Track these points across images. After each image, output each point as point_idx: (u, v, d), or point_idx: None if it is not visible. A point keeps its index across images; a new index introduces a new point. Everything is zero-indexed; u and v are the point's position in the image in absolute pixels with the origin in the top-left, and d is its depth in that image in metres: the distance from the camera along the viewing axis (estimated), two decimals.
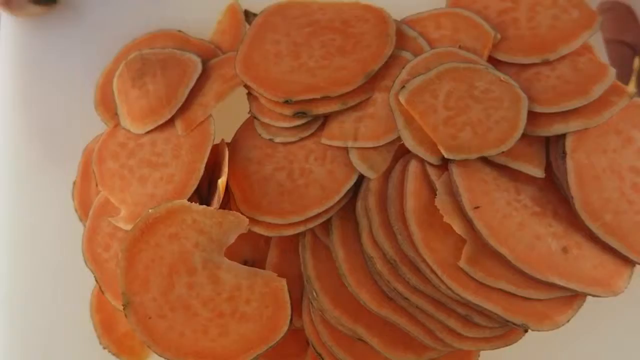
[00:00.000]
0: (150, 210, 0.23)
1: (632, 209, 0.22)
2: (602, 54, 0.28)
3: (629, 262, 0.22)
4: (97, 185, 0.27)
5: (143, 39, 0.30)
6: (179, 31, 0.30)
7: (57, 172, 0.29)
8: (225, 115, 0.27)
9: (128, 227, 0.25)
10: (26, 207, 0.29)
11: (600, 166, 0.23)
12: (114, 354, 0.26)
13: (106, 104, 0.28)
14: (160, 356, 0.23)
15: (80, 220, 0.27)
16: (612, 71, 0.24)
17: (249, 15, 0.29)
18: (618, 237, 0.22)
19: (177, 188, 0.25)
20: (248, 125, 0.27)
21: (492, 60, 0.25)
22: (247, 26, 0.29)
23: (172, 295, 0.23)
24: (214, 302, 0.23)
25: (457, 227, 0.21)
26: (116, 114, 0.27)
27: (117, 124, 0.27)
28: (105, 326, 0.26)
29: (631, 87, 0.25)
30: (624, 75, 0.29)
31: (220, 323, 0.23)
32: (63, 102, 0.30)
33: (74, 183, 0.28)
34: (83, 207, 0.27)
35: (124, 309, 0.23)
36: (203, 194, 0.25)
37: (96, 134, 0.28)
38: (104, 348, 0.26)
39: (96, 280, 0.25)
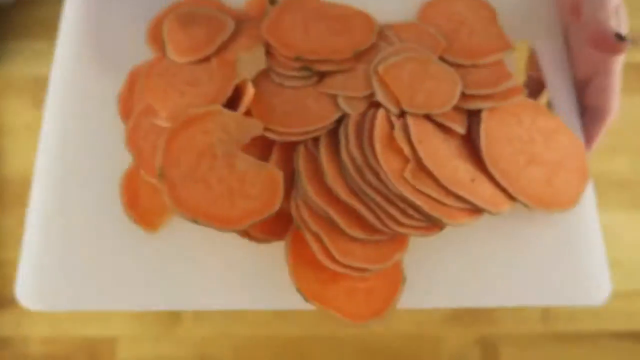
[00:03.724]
0: (191, 110, 0.32)
1: (517, 163, 0.34)
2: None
3: (510, 196, 0.33)
4: (140, 94, 0.35)
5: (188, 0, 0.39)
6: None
7: (105, 85, 0.37)
8: None
9: (166, 124, 0.33)
10: (79, 106, 0.36)
11: (500, 133, 0.34)
12: (134, 222, 0.34)
13: (155, 40, 0.37)
14: (180, 215, 0.31)
15: (121, 119, 0.35)
16: (514, 79, 0.36)
17: (272, 1, 0.39)
18: (507, 179, 0.33)
19: (209, 100, 0.34)
20: (263, 74, 0.36)
21: (442, 59, 0.37)
22: (269, 6, 0.39)
23: (196, 172, 0.32)
24: (227, 181, 0.32)
25: (406, 151, 0.32)
26: (163, 48, 0.36)
27: (163, 56, 0.36)
28: (131, 202, 0.34)
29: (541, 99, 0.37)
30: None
31: (229, 197, 0.31)
32: (117, 37, 0.38)
33: (119, 93, 0.36)
34: (125, 111, 0.35)
35: (158, 178, 0.31)
36: None
37: (139, 62, 0.37)
38: (128, 217, 0.33)
39: (134, 160, 0.33)
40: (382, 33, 0.38)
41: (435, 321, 0.54)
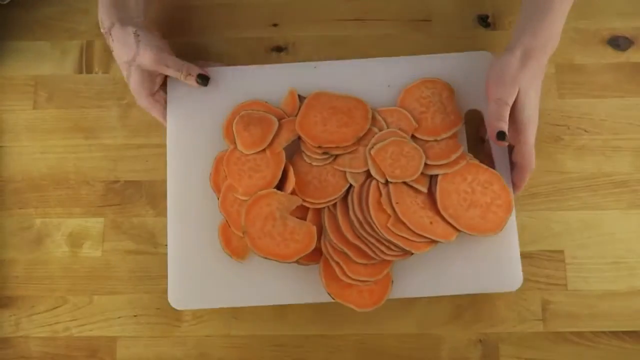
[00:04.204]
0: (259, 192, 0.53)
1: (462, 207, 0.54)
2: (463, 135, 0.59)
3: (456, 230, 0.54)
4: (223, 175, 0.56)
5: (247, 103, 0.59)
6: (265, 101, 0.59)
7: (201, 168, 0.58)
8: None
9: (243, 198, 0.55)
10: (185, 185, 0.58)
11: (451, 188, 0.54)
12: (228, 254, 0.56)
13: (228, 136, 0.58)
14: (257, 254, 0.53)
15: (214, 191, 0.57)
16: (461, 149, 0.55)
17: (300, 97, 0.59)
18: (454, 219, 0.53)
19: (267, 182, 0.55)
20: (298, 155, 0.57)
21: (413, 136, 0.56)
22: (298, 102, 0.59)
23: (264, 229, 0.53)
24: (283, 234, 0.53)
25: (389, 211, 0.52)
26: (234, 142, 0.57)
27: (235, 147, 0.57)
28: (226, 244, 0.56)
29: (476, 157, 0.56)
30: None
31: (284, 243, 0.53)
32: (204, 133, 0.59)
33: (210, 174, 0.57)
34: (215, 184, 0.57)
35: (243, 234, 0.53)
36: (279, 187, 0.55)
37: (220, 151, 0.58)
38: (224, 251, 0.56)
39: (225, 220, 0.55)
40: (375, 117, 0.57)
41: (435, 321, 0.57)
